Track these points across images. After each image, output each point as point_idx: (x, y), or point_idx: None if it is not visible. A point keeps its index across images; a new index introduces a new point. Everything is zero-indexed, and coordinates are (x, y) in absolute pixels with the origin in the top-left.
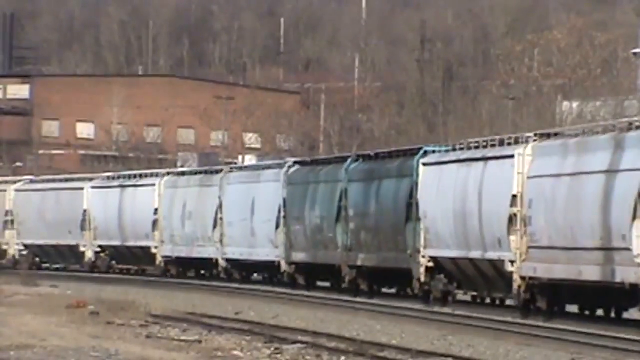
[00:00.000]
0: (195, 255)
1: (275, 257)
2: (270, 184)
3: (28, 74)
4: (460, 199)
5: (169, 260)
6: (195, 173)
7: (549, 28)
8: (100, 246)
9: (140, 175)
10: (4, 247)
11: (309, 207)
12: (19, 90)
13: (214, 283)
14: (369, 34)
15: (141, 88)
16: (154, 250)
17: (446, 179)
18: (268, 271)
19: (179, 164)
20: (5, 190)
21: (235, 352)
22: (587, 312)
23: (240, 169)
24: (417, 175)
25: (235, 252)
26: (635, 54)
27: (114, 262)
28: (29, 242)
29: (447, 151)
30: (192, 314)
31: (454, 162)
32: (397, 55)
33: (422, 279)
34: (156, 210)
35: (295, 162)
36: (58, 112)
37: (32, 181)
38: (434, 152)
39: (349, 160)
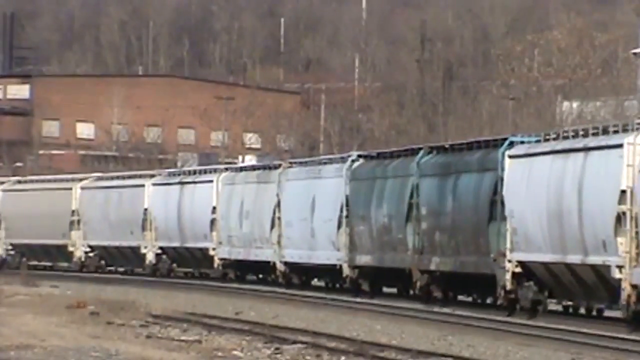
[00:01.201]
0: (252, 257)
1: (336, 261)
2: (332, 179)
3: (28, 74)
4: (555, 196)
5: (227, 263)
6: (254, 168)
7: (549, 28)
8: (161, 247)
9: (199, 171)
10: (71, 248)
11: (375, 205)
12: (19, 90)
13: (214, 283)
14: (369, 34)
15: (141, 88)
16: (211, 252)
17: (538, 172)
18: (329, 276)
19: (179, 164)
20: (70, 189)
21: (235, 352)
22: None
23: (300, 163)
24: (502, 168)
25: (294, 254)
26: (635, 54)
27: (174, 265)
28: (94, 243)
29: (537, 141)
30: (192, 314)
31: (547, 153)
32: (397, 55)
33: (508, 286)
34: (214, 208)
35: (359, 156)
36: (58, 112)
37: (99, 178)
38: (521, 142)
39: (421, 152)
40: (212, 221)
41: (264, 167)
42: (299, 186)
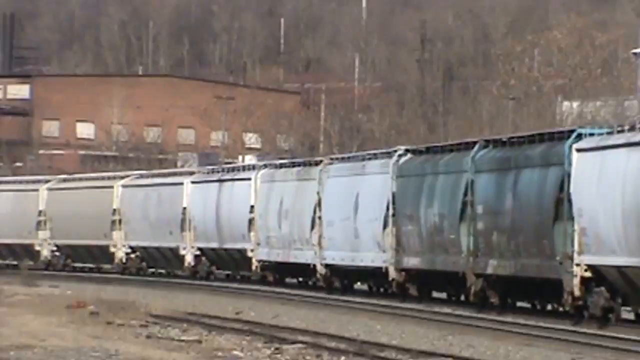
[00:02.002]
0: (292, 259)
1: (382, 263)
2: (377, 176)
3: (28, 74)
4: (633, 193)
5: (266, 265)
6: (293, 165)
7: (549, 28)
8: (199, 248)
9: (238, 168)
10: (112, 249)
11: (424, 203)
12: (19, 90)
13: (214, 283)
14: (369, 34)
15: (141, 88)
16: (249, 254)
17: (611, 167)
18: (373, 279)
19: (179, 164)
20: (111, 187)
21: (235, 352)
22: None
23: (342, 159)
24: (570, 163)
25: (336, 256)
26: (635, 54)
27: (213, 268)
28: (135, 243)
29: (609, 133)
30: (192, 314)
31: (622, 145)
32: (397, 55)
33: (576, 292)
34: (252, 207)
35: (406, 150)
36: (58, 112)
37: (140, 176)
38: (590, 134)
39: (477, 146)
40: (250, 221)
41: (304, 164)
42: (341, 183)
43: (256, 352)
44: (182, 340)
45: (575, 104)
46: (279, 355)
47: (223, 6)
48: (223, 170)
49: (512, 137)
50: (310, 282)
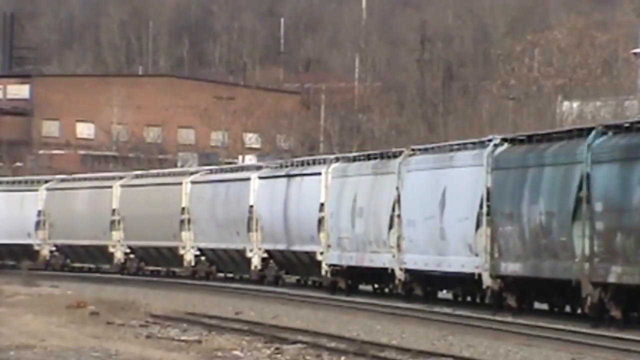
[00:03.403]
0: (366, 263)
1: (474, 269)
2: (468, 169)
3: (28, 74)
4: None
5: (337, 270)
6: (369, 157)
7: (549, 28)
8: (267, 251)
9: (307, 162)
10: (181, 251)
11: (527, 200)
12: (19, 90)
13: (214, 283)
14: (369, 34)
15: (141, 88)
16: (319, 257)
17: None
18: (462, 287)
19: (179, 164)
20: (180, 183)
21: (235, 352)
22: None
23: (426, 149)
24: None
25: (418, 260)
26: (635, 54)
27: (282, 272)
28: (203, 245)
29: None
30: (192, 314)
31: None
32: (397, 55)
33: None
34: (322, 205)
35: (503, 140)
36: (58, 112)
37: (210, 171)
38: None
39: (593, 133)
40: (320, 220)
41: (382, 156)
42: (424, 177)
43: (256, 352)
44: (182, 340)
45: (575, 104)
46: (279, 355)
47: (223, 6)
48: (292, 165)
49: (638, 122)
50: (387, 290)
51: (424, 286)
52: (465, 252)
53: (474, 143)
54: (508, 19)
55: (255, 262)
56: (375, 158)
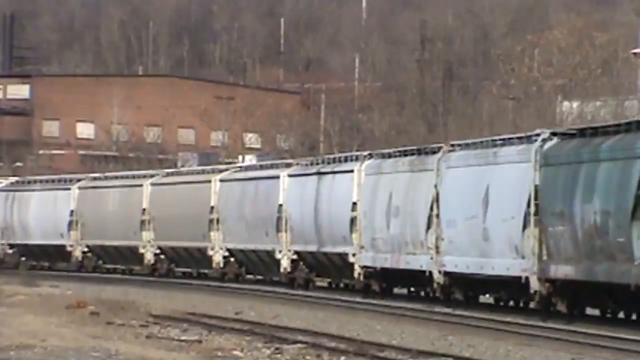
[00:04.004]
0: (402, 265)
1: (521, 272)
2: (514, 165)
3: (28, 74)
4: None
5: (370, 272)
6: (405, 153)
7: (549, 28)
8: (296, 252)
9: (340, 159)
10: (210, 252)
11: (580, 198)
12: (19, 90)
13: (214, 283)
14: (369, 34)
15: (141, 88)
16: (351, 259)
17: None
18: (508, 291)
19: (179, 164)
20: (209, 181)
21: (235, 352)
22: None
23: (467, 145)
24: None
25: (458, 262)
26: (635, 54)
27: (312, 275)
28: (232, 246)
29: None
30: (192, 314)
31: None
32: (397, 55)
33: None
34: (354, 204)
35: (552, 134)
36: (58, 112)
37: (240, 169)
38: None
39: None
40: (352, 220)
41: (419, 152)
42: (465, 174)
43: (256, 352)
44: (182, 340)
45: (575, 104)
46: (279, 355)
47: (223, 6)
48: (323, 162)
49: None
50: (424, 293)
51: (465, 290)
52: (510, 253)
53: (519, 138)
54: (508, 19)
55: (285, 264)
56: (412, 154)
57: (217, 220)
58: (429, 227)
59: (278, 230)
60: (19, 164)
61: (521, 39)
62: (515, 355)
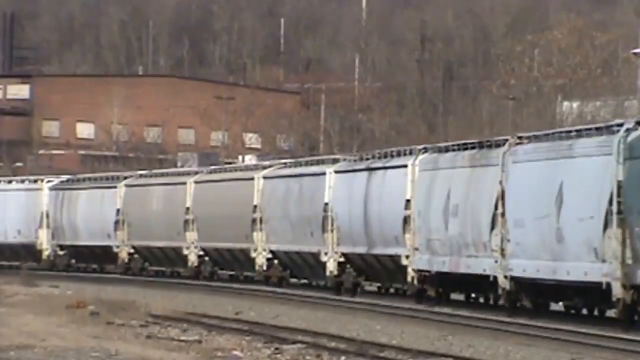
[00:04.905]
0: (462, 269)
1: (601, 277)
2: (593, 158)
3: (28, 74)
4: None
5: (425, 277)
6: (465, 147)
7: (549, 28)
8: (344, 254)
9: (391, 153)
10: (253, 254)
11: None
12: (19, 90)
13: (214, 283)
14: (369, 34)
15: (141, 88)
16: (404, 262)
17: None
18: (585, 298)
19: (179, 164)
20: (252, 179)
21: (235, 352)
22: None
23: (537, 137)
24: None
25: (527, 266)
26: (635, 54)
27: (360, 279)
28: (275, 247)
29: None
30: (192, 314)
31: None
32: (397, 55)
33: None
34: (408, 202)
35: (637, 123)
36: (58, 112)
37: (284, 165)
38: None
39: None
40: (406, 219)
41: (481, 145)
42: (535, 169)
43: (256, 352)
44: (182, 340)
45: (575, 104)
46: (279, 355)
47: (223, 6)
48: (373, 157)
49: None
50: (487, 300)
51: (534, 297)
52: (588, 257)
53: (597, 128)
54: (508, 19)
55: (331, 267)
56: (473, 147)
57: (260, 219)
58: (493, 227)
59: (324, 230)
60: (19, 164)
61: (521, 39)
62: (515, 355)
